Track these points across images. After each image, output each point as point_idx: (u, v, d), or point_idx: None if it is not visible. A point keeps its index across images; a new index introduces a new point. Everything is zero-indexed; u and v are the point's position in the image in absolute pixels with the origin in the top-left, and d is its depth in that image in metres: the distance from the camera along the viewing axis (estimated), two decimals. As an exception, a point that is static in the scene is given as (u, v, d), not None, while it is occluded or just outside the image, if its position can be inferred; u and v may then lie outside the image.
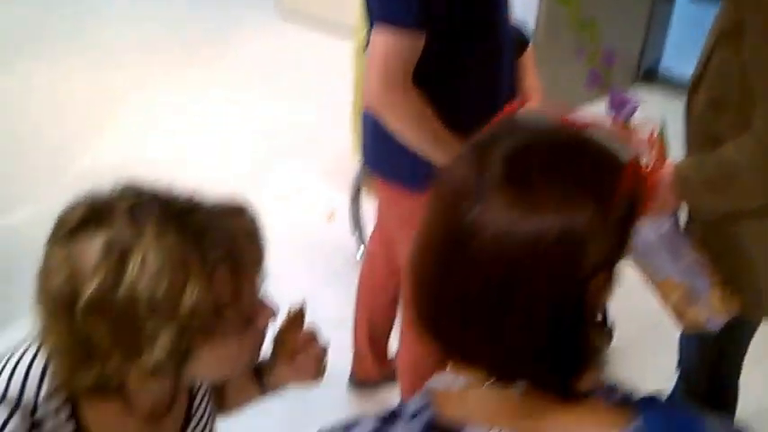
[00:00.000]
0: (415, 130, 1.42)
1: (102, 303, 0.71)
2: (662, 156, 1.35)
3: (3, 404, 0.79)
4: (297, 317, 1.02)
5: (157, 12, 5.20)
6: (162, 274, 0.71)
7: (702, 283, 1.39)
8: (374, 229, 2.09)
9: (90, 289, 0.71)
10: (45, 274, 0.74)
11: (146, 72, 4.37)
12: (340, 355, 2.38)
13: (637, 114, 1.31)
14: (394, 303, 2.18)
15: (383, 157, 1.61)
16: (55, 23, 4.96)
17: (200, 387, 1.02)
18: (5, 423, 0.77)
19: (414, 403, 0.69)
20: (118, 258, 0.71)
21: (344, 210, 2.91)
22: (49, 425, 0.81)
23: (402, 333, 1.98)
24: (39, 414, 0.80)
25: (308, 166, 3.61)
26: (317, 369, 1.06)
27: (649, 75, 4.26)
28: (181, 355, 0.76)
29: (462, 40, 1.42)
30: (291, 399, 2.29)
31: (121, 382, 0.81)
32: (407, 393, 2.00)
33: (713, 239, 1.39)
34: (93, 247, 0.71)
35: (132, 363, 0.75)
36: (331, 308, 2.64)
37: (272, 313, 0.87)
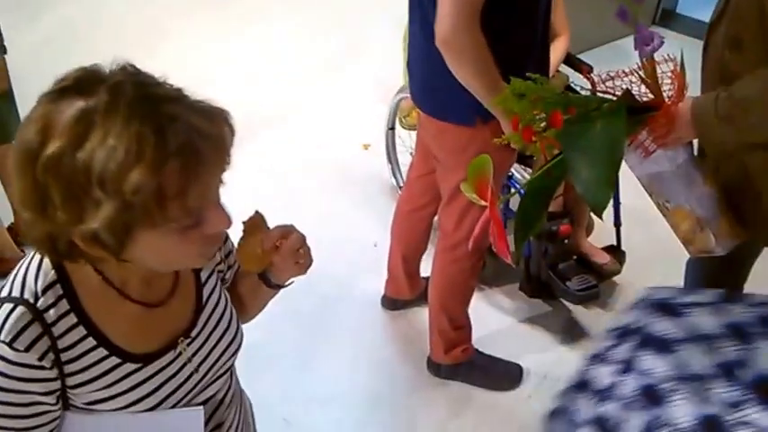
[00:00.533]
0: (479, 71, 1.57)
1: (59, 162, 0.76)
2: (682, 90, 1.46)
3: (8, 300, 0.88)
4: (255, 224, 1.03)
5: None
6: (117, 151, 0.75)
7: (713, 211, 1.52)
8: (416, 160, 2.22)
9: (54, 147, 0.76)
10: (26, 122, 0.79)
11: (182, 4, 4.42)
12: (374, 276, 2.56)
13: (661, 50, 1.41)
14: (429, 229, 2.35)
15: (435, 95, 1.76)
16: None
17: (206, 281, 1.06)
18: (11, 312, 0.86)
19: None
20: (84, 127, 0.76)
21: (380, 140, 3.04)
22: (53, 316, 0.88)
23: (436, 254, 2.14)
24: (40, 304, 0.88)
25: (345, 96, 3.70)
26: (301, 264, 1.09)
27: (667, 16, 4.30)
28: (120, 231, 0.79)
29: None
30: (329, 319, 2.51)
31: (92, 258, 0.86)
32: (437, 312, 2.18)
33: (724, 170, 1.51)
34: (69, 111, 0.77)
35: (76, 225, 0.79)
36: (365, 230, 2.81)
37: (224, 223, 0.87)
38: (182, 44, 4.10)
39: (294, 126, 3.55)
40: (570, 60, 2.45)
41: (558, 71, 2.49)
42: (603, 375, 0.93)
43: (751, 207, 1.49)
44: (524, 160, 2.37)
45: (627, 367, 0.91)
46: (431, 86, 1.76)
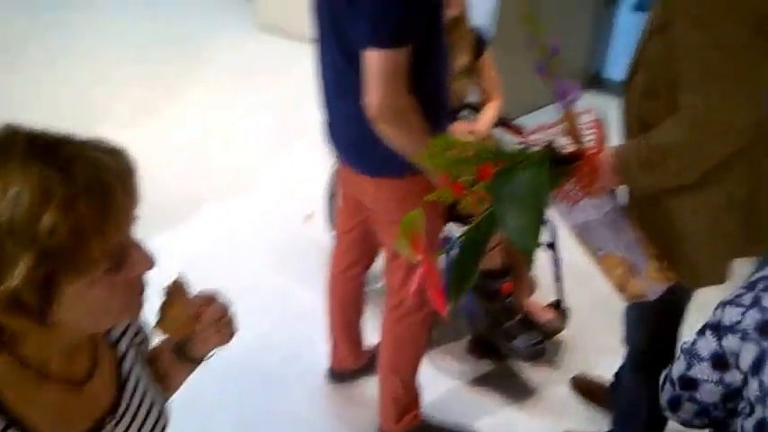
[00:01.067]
0: (415, 136, 1.59)
1: None
2: (602, 140, 1.51)
3: None
4: (177, 290, 0.99)
5: (139, 24, 5.32)
6: (21, 197, 0.71)
7: (642, 256, 1.55)
8: (341, 216, 2.21)
9: None
10: None
11: (126, 83, 4.44)
12: (317, 348, 2.50)
13: (579, 102, 1.48)
14: (362, 288, 2.32)
15: (365, 153, 1.76)
16: (39, 33, 4.98)
17: (124, 355, 1.00)
18: None
19: None
20: None
21: (321, 210, 3.03)
22: None
23: (384, 314, 2.11)
24: None
25: (287, 166, 3.73)
26: (223, 333, 1.05)
27: (595, 80, 4.52)
28: (43, 286, 0.75)
29: (428, 42, 1.59)
30: (270, 396, 2.42)
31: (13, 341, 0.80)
32: (388, 376, 2.13)
33: (650, 215, 1.55)
34: None
35: None
36: (307, 301, 2.76)
37: (147, 263, 0.84)
38: (118, 122, 4.06)
39: (237, 197, 3.53)
40: (503, 123, 2.53)
41: (490, 134, 2.56)
42: (731, 314, 1.09)
43: (677, 250, 1.53)
44: (465, 220, 2.39)
45: (752, 304, 1.07)
46: (359, 145, 1.77)
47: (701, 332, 1.16)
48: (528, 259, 1.18)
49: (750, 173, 1.45)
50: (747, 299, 1.08)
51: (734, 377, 1.09)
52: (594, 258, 1.59)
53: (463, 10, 2.32)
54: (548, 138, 1.49)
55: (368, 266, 2.27)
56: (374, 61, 1.50)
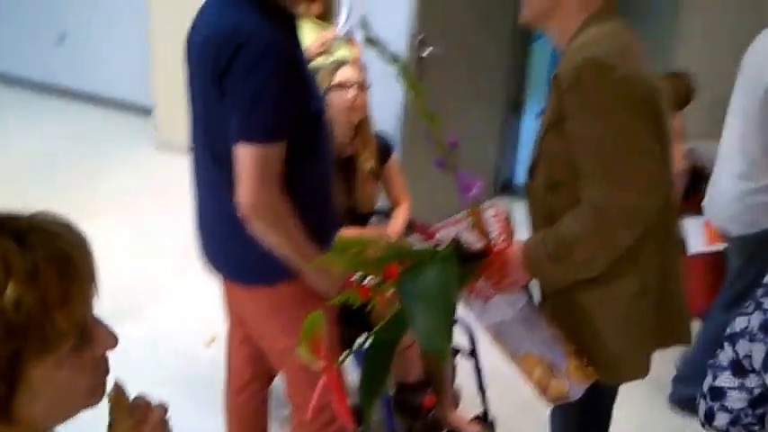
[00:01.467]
0: (290, 235, 1.52)
1: None
2: (510, 235, 1.48)
3: None
4: (118, 395, 0.97)
5: (36, 144, 5.14)
6: None
7: (560, 354, 1.48)
8: (231, 328, 2.06)
9: None
10: None
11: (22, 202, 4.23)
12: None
13: (493, 207, 1.46)
14: (264, 407, 2.14)
15: (235, 257, 1.66)
16: None
17: None
18: None
19: None
20: None
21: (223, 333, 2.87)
22: None
23: None
24: None
25: (188, 290, 3.56)
26: None
27: (506, 187, 4.65)
28: (9, 368, 0.71)
29: (306, 139, 1.54)
30: None
31: None
32: None
33: (564, 310, 1.50)
34: None
35: None
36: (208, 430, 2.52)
37: (112, 340, 0.83)
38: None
39: (136, 318, 3.31)
40: (413, 226, 2.49)
41: (402, 238, 2.52)
42: (740, 322, 1.30)
43: (594, 345, 1.47)
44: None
45: (755, 309, 1.27)
46: (232, 251, 1.66)
47: (721, 346, 1.34)
48: (440, 358, 1.08)
49: (657, 258, 1.44)
50: (751, 306, 1.27)
51: (753, 381, 1.26)
52: (513, 359, 1.52)
53: (366, 114, 2.32)
54: (455, 234, 1.44)
55: (266, 384, 2.10)
56: (246, 157, 1.44)
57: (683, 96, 3.18)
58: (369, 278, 1.36)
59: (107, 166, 4.93)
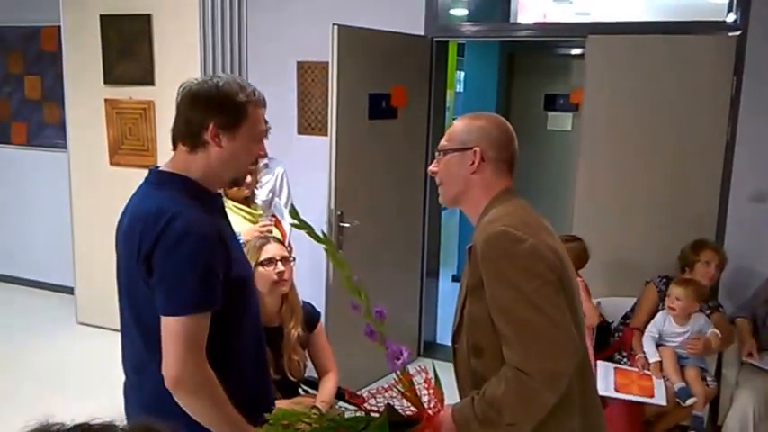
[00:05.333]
0: (216, 405, 1.51)
1: None
2: (440, 399, 1.52)
3: None
4: None
5: None
6: None
7: None
8: None
9: None
10: None
11: None
12: None
13: (418, 368, 1.51)
14: None
15: None
16: None
17: None
18: None
19: None
20: None
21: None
22: None
23: None
24: None
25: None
26: None
27: (429, 347, 4.71)
28: None
29: (233, 311, 1.58)
30: None
31: None
32: None
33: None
34: None
35: None
36: None
37: None
38: None
39: None
40: (343, 394, 2.49)
41: (333, 406, 2.50)
42: None
43: None
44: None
45: None
46: None
47: None
48: None
49: (579, 417, 1.51)
50: None
51: None
52: None
53: (292, 286, 2.40)
54: (386, 401, 1.47)
55: None
56: (171, 329, 1.47)
57: (582, 258, 3.44)
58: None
59: (31, 341, 4.84)
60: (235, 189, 2.86)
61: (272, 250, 2.35)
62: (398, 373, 1.45)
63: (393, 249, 4.32)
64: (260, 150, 1.63)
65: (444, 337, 4.72)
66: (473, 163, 1.58)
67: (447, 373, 1.61)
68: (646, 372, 3.26)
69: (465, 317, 1.56)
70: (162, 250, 1.46)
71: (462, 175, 1.61)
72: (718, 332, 3.27)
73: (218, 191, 1.68)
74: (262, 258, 2.33)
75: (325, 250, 1.49)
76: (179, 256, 1.45)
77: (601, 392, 3.08)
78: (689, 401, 3.16)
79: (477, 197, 1.61)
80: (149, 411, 1.62)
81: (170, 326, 1.47)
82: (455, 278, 6.08)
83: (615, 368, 3.31)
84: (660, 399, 3.13)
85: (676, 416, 3.30)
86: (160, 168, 1.61)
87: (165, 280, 1.47)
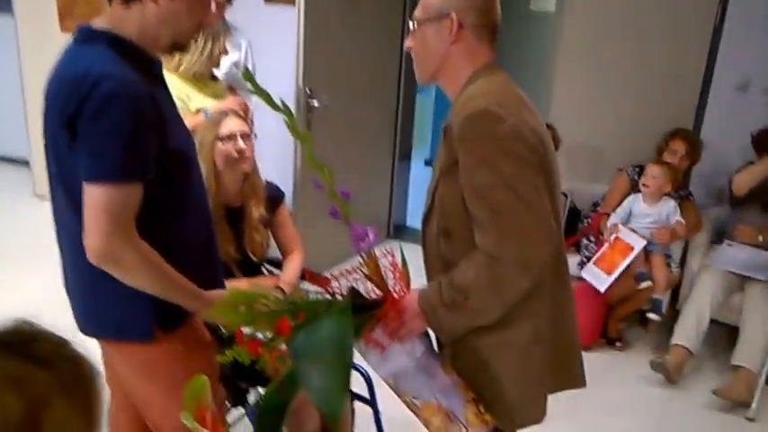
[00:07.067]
0: (151, 275, 1.41)
1: None
2: (406, 282, 1.46)
3: None
4: None
5: None
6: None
7: (458, 402, 1.46)
8: (111, 403, 1.86)
9: None
10: None
11: None
12: None
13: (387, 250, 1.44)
14: None
15: (99, 312, 1.54)
16: None
17: None
18: None
19: None
20: None
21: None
22: None
23: None
24: None
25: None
26: None
27: (399, 229, 4.70)
28: None
29: (171, 182, 1.47)
30: None
31: None
32: None
33: (462, 358, 1.48)
34: None
35: None
36: None
37: None
38: None
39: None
40: (307, 275, 2.43)
41: (297, 287, 2.45)
42: None
43: (490, 392, 1.47)
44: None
45: None
46: (91, 304, 1.54)
47: None
48: (332, 420, 1.03)
49: (549, 306, 1.46)
50: None
51: None
52: (412, 408, 1.49)
53: (254, 164, 2.27)
54: (350, 283, 1.41)
55: None
56: (93, 198, 1.34)
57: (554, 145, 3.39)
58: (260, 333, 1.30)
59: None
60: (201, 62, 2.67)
61: (231, 125, 2.20)
62: (363, 255, 1.38)
63: (365, 130, 4.18)
64: (206, 16, 1.45)
65: (415, 220, 4.69)
66: (451, 31, 1.44)
67: (417, 256, 1.54)
68: (614, 236, 3.30)
69: (437, 199, 1.47)
70: (87, 114, 1.32)
71: (440, 48, 1.46)
72: (682, 221, 3.33)
73: (156, 56, 1.51)
74: (221, 134, 2.18)
75: (286, 123, 1.36)
76: (105, 120, 1.31)
77: (601, 289, 3.17)
78: (643, 284, 3.27)
79: (457, 70, 1.46)
80: (86, 290, 1.53)
81: (93, 194, 1.34)
82: (427, 163, 6.00)
83: (595, 262, 3.32)
84: (639, 243, 3.20)
85: (638, 300, 3.38)
86: (91, 26, 1.44)
87: (90, 145, 1.34)
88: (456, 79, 1.47)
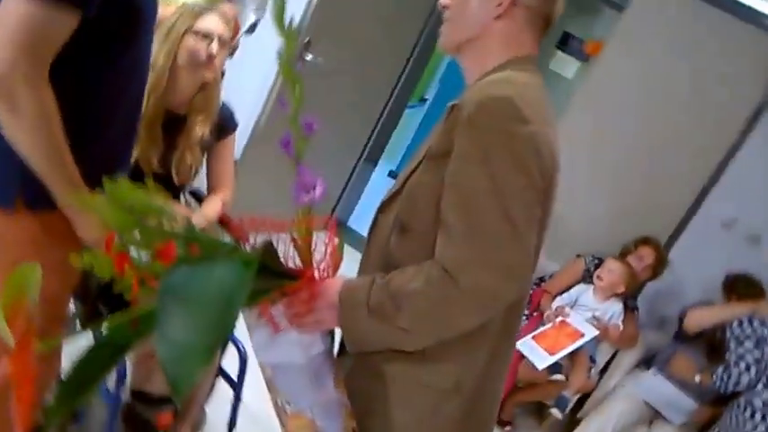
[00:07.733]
0: (39, 134, 1.16)
1: None
2: (335, 265, 1.18)
3: None
4: None
5: None
6: None
7: (335, 426, 1.19)
8: None
9: None
10: None
11: None
12: None
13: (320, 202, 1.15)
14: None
15: None
16: None
17: None
18: None
19: None
20: None
21: None
22: None
23: None
24: None
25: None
26: None
27: (338, 226, 4.42)
28: None
29: (109, 42, 1.23)
30: None
31: None
32: None
33: (360, 378, 1.21)
34: None
35: None
36: None
37: None
38: None
39: None
40: (226, 221, 2.11)
41: (210, 227, 2.13)
42: None
43: (379, 423, 1.19)
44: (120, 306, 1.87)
45: None
46: None
47: None
48: (178, 392, 0.73)
49: (486, 357, 1.20)
50: None
51: None
52: (279, 412, 1.21)
53: (218, 76, 1.96)
54: (270, 239, 1.11)
55: None
56: (11, 11, 1.10)
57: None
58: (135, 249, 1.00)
59: None
60: None
61: (212, 23, 1.87)
62: (300, 210, 1.09)
63: (344, 112, 3.89)
64: None
65: (357, 224, 4.46)
66: (501, 4, 1.18)
67: (352, 258, 1.25)
68: (559, 320, 3.10)
69: (407, 187, 1.20)
70: None
71: (481, 18, 1.20)
72: (621, 327, 3.16)
73: None
74: (197, 27, 1.85)
75: (279, 55, 1.06)
76: None
77: (539, 366, 2.93)
78: (556, 376, 3.10)
79: (489, 51, 1.21)
80: None
81: (9, 6, 1.09)
82: (391, 174, 5.76)
83: (533, 338, 3.10)
84: (591, 332, 3.01)
85: (545, 391, 3.20)
86: None
87: None
88: (483, 62, 1.21)
